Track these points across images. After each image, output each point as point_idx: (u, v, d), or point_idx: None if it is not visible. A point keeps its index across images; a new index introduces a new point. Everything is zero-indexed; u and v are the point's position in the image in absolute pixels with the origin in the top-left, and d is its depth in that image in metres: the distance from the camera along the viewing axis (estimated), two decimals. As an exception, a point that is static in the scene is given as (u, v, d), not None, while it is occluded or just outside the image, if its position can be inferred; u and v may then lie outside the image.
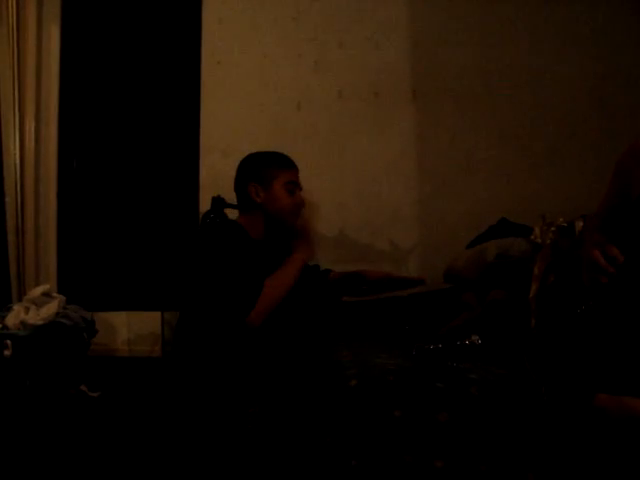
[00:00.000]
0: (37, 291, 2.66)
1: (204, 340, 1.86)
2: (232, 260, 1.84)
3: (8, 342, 2.40)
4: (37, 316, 2.50)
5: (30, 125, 3.07)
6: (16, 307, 2.56)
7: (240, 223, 2.05)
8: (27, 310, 2.54)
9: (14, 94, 2.99)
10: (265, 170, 2.07)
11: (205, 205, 2.69)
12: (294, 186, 2.09)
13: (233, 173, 2.29)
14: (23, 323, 2.49)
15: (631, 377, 1.23)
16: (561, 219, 2.14)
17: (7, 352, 2.39)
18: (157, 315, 2.97)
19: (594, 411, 1.20)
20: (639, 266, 1.37)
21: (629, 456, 1.18)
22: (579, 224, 2.00)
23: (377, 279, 2.19)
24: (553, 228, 2.12)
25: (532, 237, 2.32)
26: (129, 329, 3.10)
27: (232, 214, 2.41)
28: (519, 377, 1.40)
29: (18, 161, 3.04)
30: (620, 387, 1.22)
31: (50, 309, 2.54)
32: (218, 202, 2.38)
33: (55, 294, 2.69)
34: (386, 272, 2.25)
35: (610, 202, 1.60)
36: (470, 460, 1.25)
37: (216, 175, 2.86)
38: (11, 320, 2.49)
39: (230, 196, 2.35)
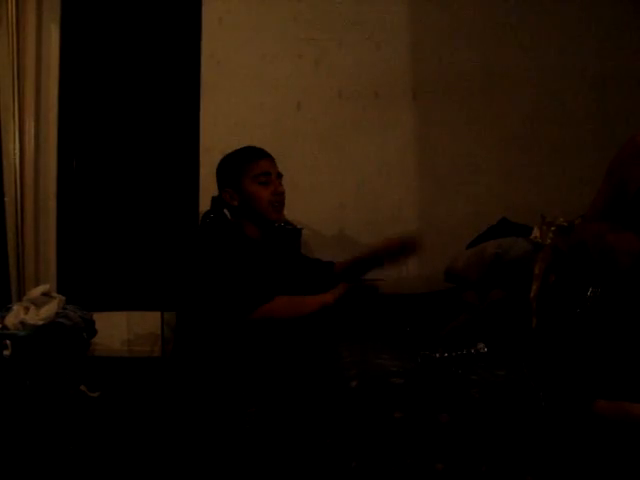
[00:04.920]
0: (37, 291, 2.65)
1: (203, 340, 1.86)
2: (230, 260, 1.83)
3: (8, 342, 2.39)
4: (37, 316, 2.50)
5: (30, 125, 3.06)
6: (16, 307, 2.56)
7: (236, 222, 2.03)
8: (27, 310, 2.53)
9: (14, 94, 2.99)
10: (232, 171, 1.97)
11: (205, 205, 2.68)
12: (266, 176, 1.93)
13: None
14: (23, 323, 2.48)
15: (629, 382, 1.22)
16: (561, 219, 2.13)
17: (7, 352, 2.39)
18: (157, 315, 2.96)
19: (593, 416, 1.20)
20: (637, 267, 1.36)
21: (628, 461, 1.18)
22: (579, 224, 2.00)
23: (371, 256, 2.11)
24: (553, 228, 2.12)
25: (532, 237, 2.32)
26: (129, 329, 3.10)
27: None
28: (519, 380, 1.40)
29: (18, 161, 3.03)
30: (619, 392, 1.21)
31: (50, 309, 2.54)
32: (218, 202, 2.37)
33: (55, 294, 2.69)
34: (382, 245, 2.14)
35: (605, 201, 1.59)
36: (470, 462, 1.25)
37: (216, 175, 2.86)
38: (11, 320, 2.49)
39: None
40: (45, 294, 2.64)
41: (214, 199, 2.32)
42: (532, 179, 2.98)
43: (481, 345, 1.46)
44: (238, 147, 2.07)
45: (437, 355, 1.47)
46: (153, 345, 3.05)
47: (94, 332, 2.74)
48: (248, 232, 1.99)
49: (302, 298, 1.90)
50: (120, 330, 3.09)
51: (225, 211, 2.26)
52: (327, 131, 3.02)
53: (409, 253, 2.08)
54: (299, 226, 2.80)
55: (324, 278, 2.09)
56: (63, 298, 2.67)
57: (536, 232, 2.32)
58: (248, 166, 1.94)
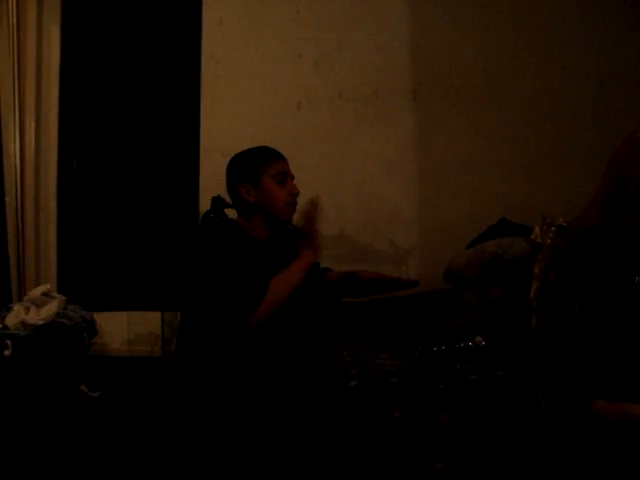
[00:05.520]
0: (37, 291, 2.66)
1: (205, 340, 1.86)
2: (233, 261, 1.83)
3: (8, 342, 2.40)
4: (37, 316, 2.51)
5: (30, 125, 3.08)
6: (16, 307, 2.56)
7: (240, 223, 2.04)
8: (27, 310, 2.54)
9: (14, 95, 3.00)
10: (252, 168, 1.98)
11: (205, 205, 2.69)
12: (284, 176, 1.98)
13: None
14: (23, 323, 2.49)
15: (630, 383, 1.22)
16: (561, 219, 2.13)
17: (7, 352, 2.39)
18: (157, 315, 2.97)
19: (593, 417, 1.20)
20: (635, 265, 1.36)
21: (628, 462, 1.18)
22: (579, 224, 2.00)
23: (371, 280, 2.17)
24: (553, 228, 2.12)
25: (532, 237, 2.32)
26: (129, 329, 3.11)
27: (232, 214, 2.40)
28: (518, 380, 1.40)
29: (18, 161, 3.04)
30: (619, 393, 1.21)
31: (50, 309, 2.55)
32: (218, 202, 2.37)
33: (55, 294, 2.70)
34: (380, 273, 2.22)
35: (603, 198, 1.59)
36: (470, 462, 1.25)
37: (216, 175, 2.84)
38: (11, 320, 2.49)
39: (230, 196, 2.35)
40: (45, 294, 2.65)
41: (214, 199, 2.32)
42: (532, 179, 2.98)
43: (479, 339, 1.46)
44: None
45: (435, 349, 1.47)
46: (153, 345, 3.06)
47: (94, 332, 2.75)
48: (254, 230, 2.00)
49: (284, 271, 1.89)
50: (120, 330, 3.10)
51: (225, 211, 2.27)
52: (327, 131, 3.02)
53: (405, 288, 2.13)
54: (299, 226, 2.80)
55: (317, 282, 2.10)
56: (63, 298, 2.68)
57: (536, 232, 2.31)
58: (268, 165, 1.97)
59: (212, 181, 2.88)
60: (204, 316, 1.85)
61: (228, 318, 1.77)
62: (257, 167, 1.97)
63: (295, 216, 2.10)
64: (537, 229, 2.30)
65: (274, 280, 1.85)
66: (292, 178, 2.03)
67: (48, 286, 2.74)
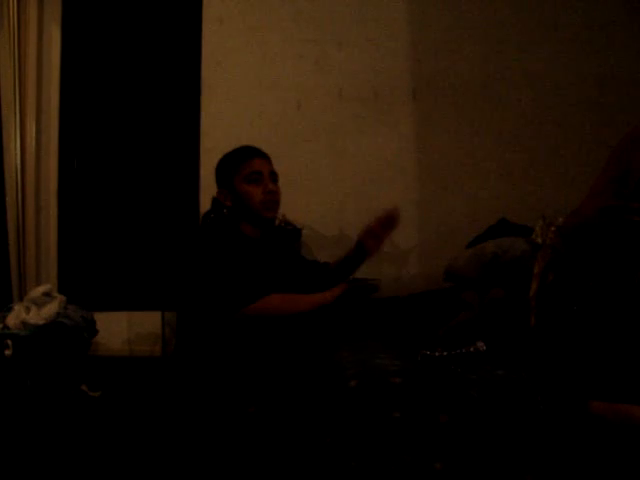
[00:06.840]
0: (38, 291, 2.66)
1: (204, 339, 1.86)
2: (226, 258, 1.84)
3: (9, 342, 2.41)
4: (38, 316, 2.51)
5: (31, 126, 3.08)
6: (17, 307, 2.57)
7: (236, 223, 2.04)
8: (28, 310, 2.54)
9: (15, 95, 3.00)
10: (225, 171, 2.00)
11: (205, 205, 2.68)
12: (258, 175, 1.94)
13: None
14: (24, 323, 2.49)
15: (627, 384, 1.23)
16: (561, 219, 2.14)
17: (8, 352, 2.40)
18: (157, 315, 2.97)
19: (590, 418, 1.20)
20: (634, 263, 1.37)
21: (625, 462, 1.18)
22: (578, 224, 2.00)
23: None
24: (553, 228, 2.12)
25: (532, 237, 2.32)
26: (129, 329, 3.11)
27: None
28: (518, 380, 1.40)
29: (19, 161, 3.04)
30: (617, 394, 1.22)
31: (51, 309, 2.55)
32: (218, 202, 2.38)
33: (56, 294, 2.70)
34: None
35: (605, 189, 1.59)
36: (469, 462, 1.25)
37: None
38: (12, 320, 2.50)
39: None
40: (46, 294, 2.65)
41: (214, 199, 2.32)
42: (532, 179, 2.98)
43: (480, 344, 1.47)
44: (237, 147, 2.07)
45: (437, 354, 1.47)
46: (154, 345, 3.06)
47: (95, 332, 2.75)
48: (247, 231, 2.00)
49: (298, 296, 1.90)
50: (121, 330, 3.10)
51: (225, 211, 2.27)
52: (327, 131, 3.02)
53: (390, 227, 2.09)
54: (299, 226, 2.80)
55: (321, 279, 2.10)
56: (64, 298, 2.68)
57: (537, 232, 2.32)
58: (239, 166, 1.96)
59: (212, 181, 2.87)
60: (195, 307, 1.86)
61: (215, 306, 1.78)
62: (229, 171, 1.98)
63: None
64: (537, 229, 2.31)
65: (282, 296, 1.84)
66: (273, 174, 2.00)
67: (49, 286, 2.74)
